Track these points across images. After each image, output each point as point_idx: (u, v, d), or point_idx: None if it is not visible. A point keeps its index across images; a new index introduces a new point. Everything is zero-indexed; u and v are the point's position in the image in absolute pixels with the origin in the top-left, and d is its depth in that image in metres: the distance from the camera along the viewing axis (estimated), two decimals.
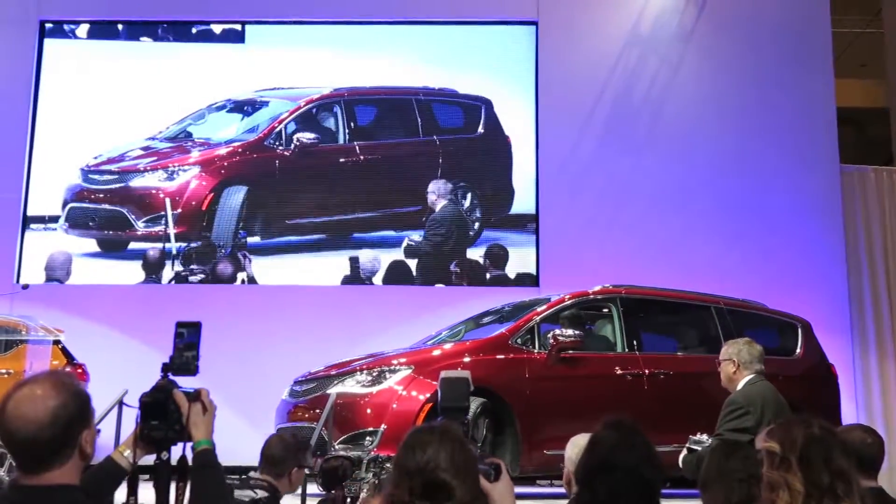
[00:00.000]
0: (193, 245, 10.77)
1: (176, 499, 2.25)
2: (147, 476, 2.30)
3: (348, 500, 3.90)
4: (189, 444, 2.28)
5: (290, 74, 11.25)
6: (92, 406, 2.06)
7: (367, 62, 11.32)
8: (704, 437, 4.61)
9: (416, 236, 10.82)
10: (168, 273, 10.73)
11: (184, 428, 2.27)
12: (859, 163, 11.82)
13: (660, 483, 2.44)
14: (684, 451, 4.61)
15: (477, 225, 10.96)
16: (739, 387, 4.70)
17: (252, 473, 3.53)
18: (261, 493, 3.37)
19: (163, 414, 2.28)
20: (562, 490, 8.30)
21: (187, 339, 2.40)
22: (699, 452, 4.45)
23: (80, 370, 8.09)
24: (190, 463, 2.26)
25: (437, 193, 10.90)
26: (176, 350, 2.38)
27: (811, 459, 2.10)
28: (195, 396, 2.31)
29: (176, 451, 2.31)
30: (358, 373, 6.61)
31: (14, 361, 7.88)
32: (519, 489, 7.39)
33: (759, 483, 2.35)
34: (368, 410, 6.36)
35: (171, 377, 2.35)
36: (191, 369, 2.37)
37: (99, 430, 2.26)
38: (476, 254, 10.87)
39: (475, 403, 6.33)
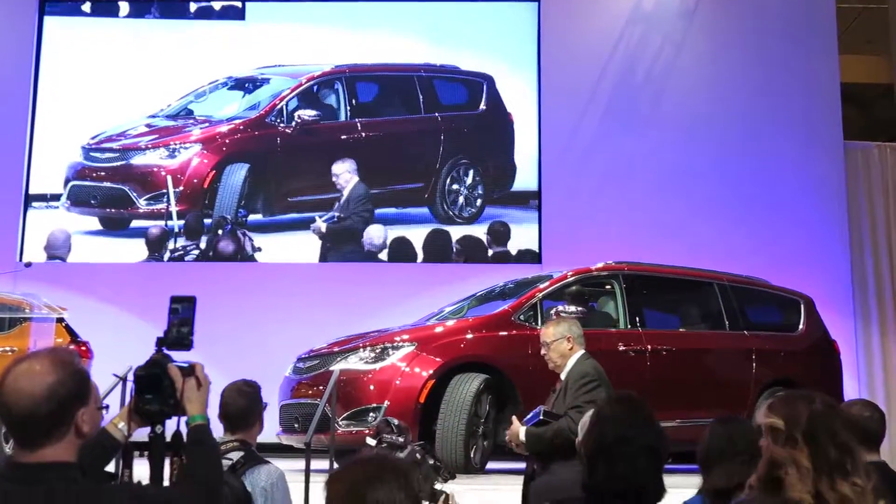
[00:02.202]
0: (194, 222, 10.76)
1: (170, 473, 2.25)
2: (141, 453, 2.29)
3: None
4: (183, 419, 2.27)
5: (291, 51, 11.20)
6: (92, 384, 2.05)
7: (369, 39, 11.26)
8: (554, 409, 4.41)
9: (336, 213, 10.78)
10: (170, 250, 10.75)
11: (178, 402, 2.26)
12: (863, 139, 11.78)
13: (666, 457, 2.46)
14: (523, 426, 4.37)
15: (479, 201, 10.94)
16: (572, 363, 4.58)
17: (221, 437, 3.37)
18: (236, 456, 3.28)
19: (157, 388, 2.27)
20: None
21: (181, 314, 2.38)
22: (554, 426, 4.27)
23: (83, 348, 8.11)
24: (184, 438, 2.26)
25: (350, 171, 10.83)
26: (170, 324, 2.37)
27: (817, 435, 2.09)
28: (189, 371, 2.29)
29: (174, 428, 2.31)
30: (361, 349, 6.63)
31: (18, 339, 7.88)
32: (522, 465, 7.42)
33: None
34: (371, 387, 6.39)
35: (166, 351, 2.35)
36: (185, 344, 2.36)
37: (108, 406, 2.26)
38: (478, 231, 10.87)
39: (478, 380, 6.36)
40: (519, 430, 4.39)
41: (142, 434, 2.32)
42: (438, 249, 10.78)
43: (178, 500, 2.10)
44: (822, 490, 2.04)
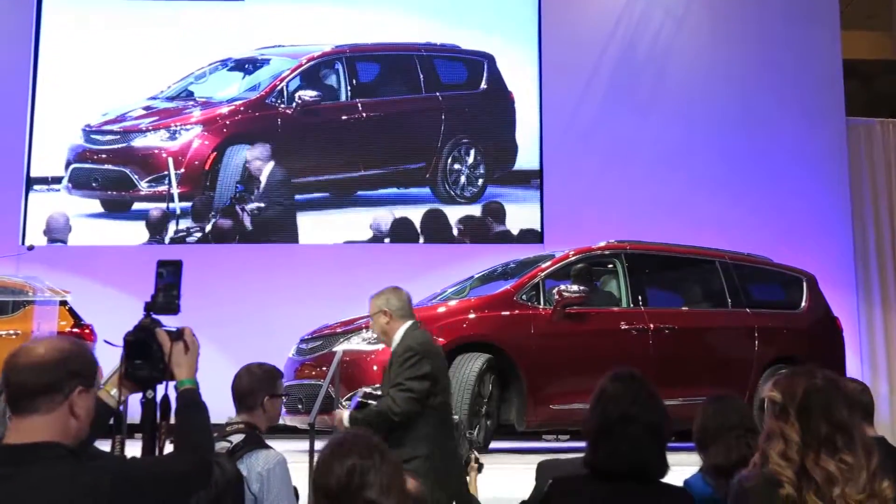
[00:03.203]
0: (201, 205, 10.75)
1: (162, 438, 2.26)
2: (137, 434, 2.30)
3: None
4: (172, 384, 2.27)
5: (291, 32, 11.15)
6: (99, 378, 2.10)
7: (369, 18, 11.21)
8: (378, 391, 4.14)
9: (257, 204, 10.76)
10: (172, 232, 10.75)
11: (167, 367, 2.26)
12: (866, 115, 11.74)
13: (669, 435, 2.46)
14: (347, 410, 4.07)
15: (480, 181, 10.92)
16: (399, 337, 4.21)
17: (229, 418, 3.40)
18: (236, 439, 3.25)
19: (147, 353, 2.27)
20: (567, 444, 8.38)
21: (167, 279, 2.39)
22: (374, 408, 4.00)
23: (87, 330, 8.12)
24: (173, 403, 2.26)
25: (262, 158, 10.75)
26: (157, 289, 2.37)
27: (810, 410, 2.11)
28: (178, 335, 2.29)
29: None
30: (364, 330, 6.63)
31: (21, 322, 7.90)
32: (525, 444, 7.45)
33: (756, 436, 2.37)
34: (374, 367, 6.39)
35: (155, 316, 2.34)
36: (173, 308, 2.36)
37: (100, 387, 2.27)
38: (476, 210, 10.86)
39: (481, 360, 6.37)
40: (343, 415, 4.06)
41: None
42: (436, 229, 10.77)
43: (165, 471, 2.09)
44: (808, 466, 2.05)
